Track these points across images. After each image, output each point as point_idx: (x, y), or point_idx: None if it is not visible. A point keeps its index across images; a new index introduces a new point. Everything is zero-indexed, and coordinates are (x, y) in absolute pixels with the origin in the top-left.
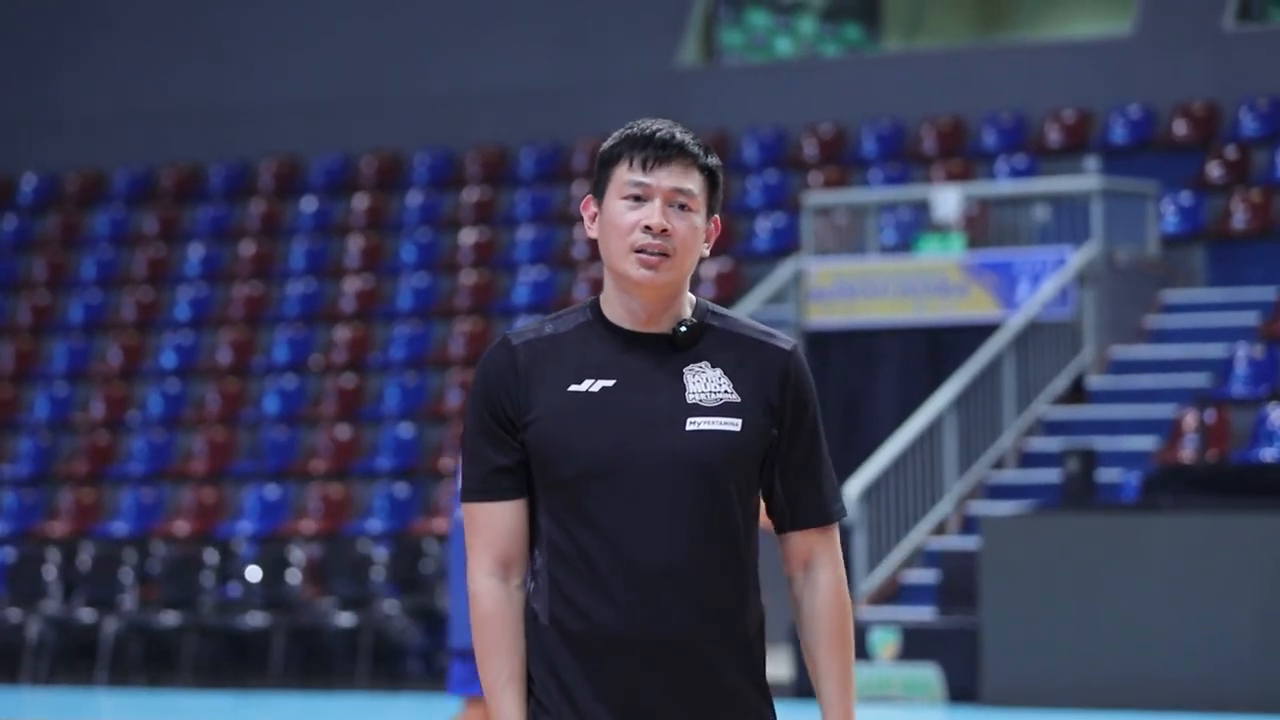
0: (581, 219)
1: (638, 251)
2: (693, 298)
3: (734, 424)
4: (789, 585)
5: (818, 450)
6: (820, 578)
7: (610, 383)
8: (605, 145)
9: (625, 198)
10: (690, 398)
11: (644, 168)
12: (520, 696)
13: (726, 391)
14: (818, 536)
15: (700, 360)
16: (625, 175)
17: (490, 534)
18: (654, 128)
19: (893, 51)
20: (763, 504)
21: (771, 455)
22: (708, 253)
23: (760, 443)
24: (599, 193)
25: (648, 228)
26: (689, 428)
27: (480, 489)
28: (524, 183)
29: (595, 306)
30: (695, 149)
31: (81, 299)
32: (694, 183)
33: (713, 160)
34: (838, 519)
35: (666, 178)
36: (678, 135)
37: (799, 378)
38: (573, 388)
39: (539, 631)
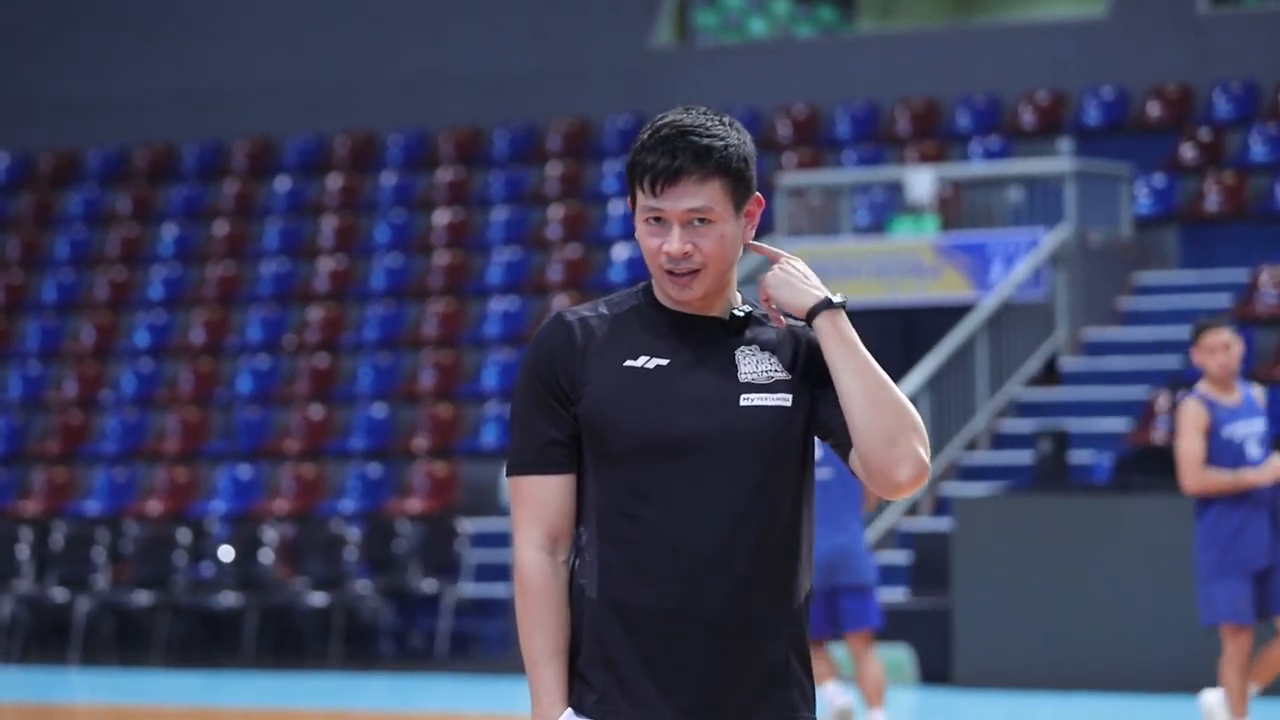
0: (555, 199)
1: (668, 273)
2: (740, 293)
3: (786, 399)
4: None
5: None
6: None
7: (665, 360)
8: (631, 150)
9: (646, 221)
10: (743, 376)
11: (654, 191)
12: (563, 671)
13: (777, 370)
14: None
15: (751, 344)
16: (642, 199)
17: (539, 507)
18: (667, 135)
19: (867, 33)
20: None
21: (821, 412)
22: (753, 233)
23: (807, 417)
24: (631, 201)
25: (669, 254)
26: (743, 404)
27: (531, 462)
28: (498, 164)
29: (648, 291)
30: (706, 155)
31: (55, 278)
32: (709, 195)
33: (729, 155)
34: None
35: (678, 200)
36: (688, 145)
37: (816, 344)
38: (628, 363)
39: (587, 606)
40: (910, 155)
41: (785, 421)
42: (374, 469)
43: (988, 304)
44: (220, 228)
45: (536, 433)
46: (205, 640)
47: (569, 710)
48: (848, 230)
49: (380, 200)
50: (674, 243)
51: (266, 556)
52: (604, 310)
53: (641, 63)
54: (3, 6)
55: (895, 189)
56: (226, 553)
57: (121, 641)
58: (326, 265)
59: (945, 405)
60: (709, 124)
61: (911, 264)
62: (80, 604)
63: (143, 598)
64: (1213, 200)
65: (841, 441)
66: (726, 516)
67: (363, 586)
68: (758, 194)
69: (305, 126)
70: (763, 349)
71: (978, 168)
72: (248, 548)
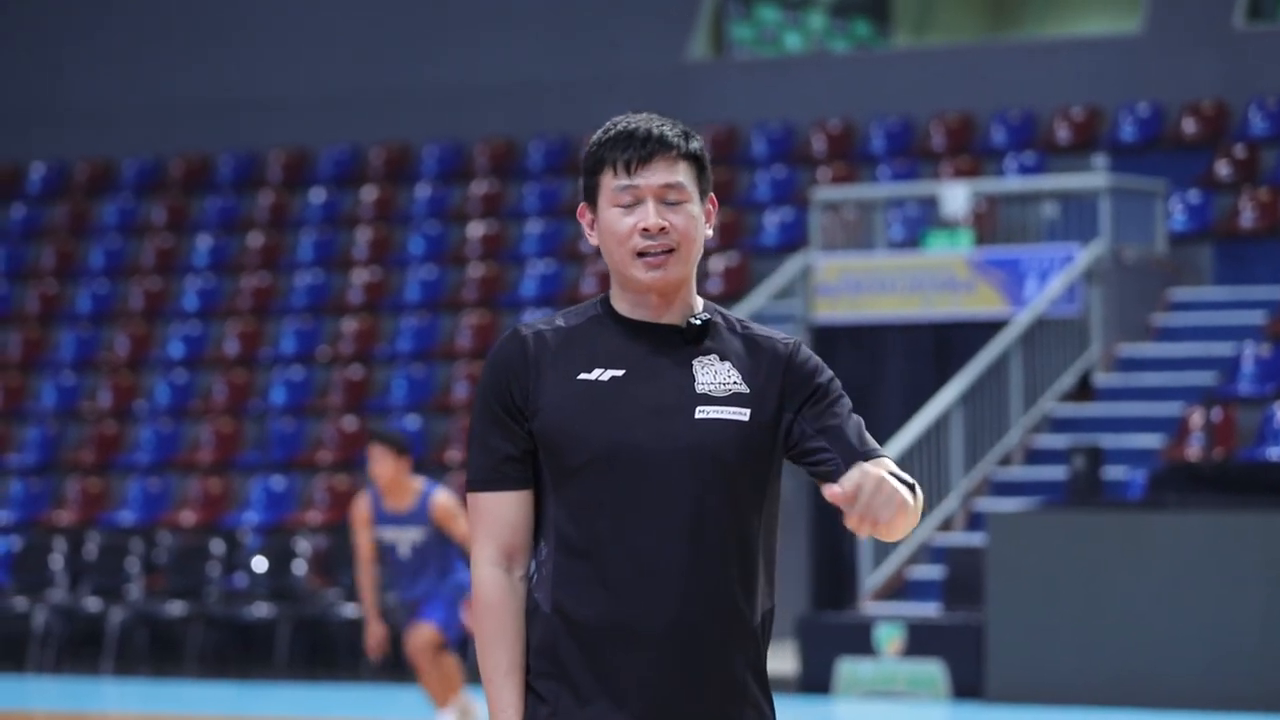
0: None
1: (641, 255)
2: (700, 299)
3: (743, 414)
4: None
5: (846, 408)
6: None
7: (620, 372)
8: (587, 151)
9: (617, 205)
10: (699, 388)
11: (629, 171)
12: (520, 687)
13: (735, 382)
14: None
15: (709, 354)
16: (612, 182)
17: (495, 524)
18: (631, 126)
19: (902, 48)
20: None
21: (798, 432)
22: (710, 233)
23: (770, 433)
24: (591, 201)
25: (645, 230)
26: (698, 416)
27: (487, 479)
28: (532, 176)
29: (605, 302)
30: (675, 139)
31: (89, 288)
32: (681, 174)
33: (695, 145)
34: (881, 456)
35: (653, 176)
36: (655, 130)
37: (802, 360)
38: (582, 376)
39: (541, 620)
40: (945, 170)
41: (743, 435)
42: None
43: (1022, 319)
44: (255, 239)
45: (492, 449)
46: (238, 651)
47: None
48: (882, 245)
49: (415, 212)
50: (650, 216)
51: (299, 568)
52: (561, 323)
53: (676, 76)
54: (39, 16)
55: (930, 204)
56: (260, 564)
57: (154, 652)
58: (361, 277)
59: (979, 420)
60: (664, 120)
61: (946, 279)
62: (114, 614)
63: (176, 608)
64: (1248, 217)
65: (820, 474)
66: (681, 530)
67: (395, 598)
68: (713, 195)
69: (340, 137)
70: (722, 359)
71: (1012, 183)
72: (281, 559)
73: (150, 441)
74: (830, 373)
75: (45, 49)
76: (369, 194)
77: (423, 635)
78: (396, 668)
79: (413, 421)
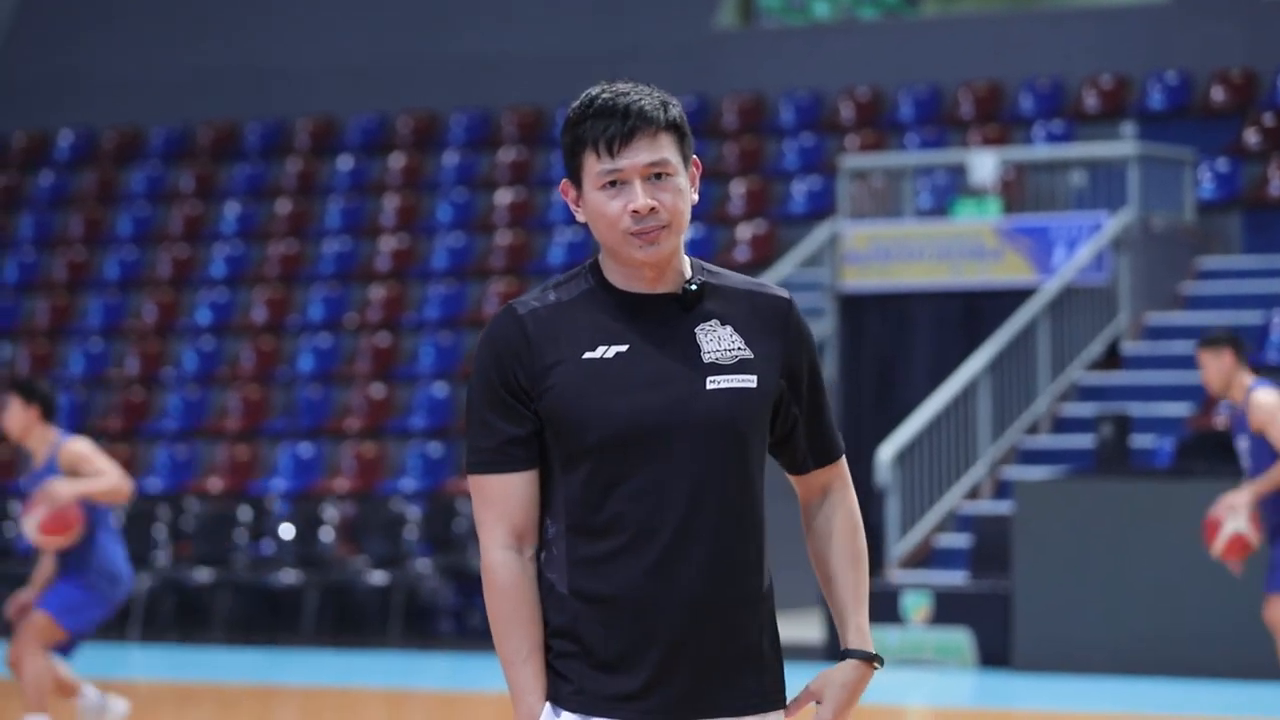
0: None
1: (634, 235)
2: (686, 258)
3: (750, 380)
4: (804, 511)
5: (823, 392)
6: (835, 499)
7: (624, 348)
8: (564, 129)
9: (602, 187)
10: (707, 357)
11: (611, 152)
12: (541, 668)
13: (740, 348)
14: (834, 470)
15: (710, 318)
16: (596, 165)
17: (504, 506)
18: (609, 102)
19: (931, 15)
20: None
21: (783, 404)
22: (696, 197)
23: (772, 396)
24: (575, 180)
25: (635, 212)
26: (709, 387)
27: (492, 460)
28: (559, 144)
29: (596, 271)
30: (654, 113)
31: (118, 255)
32: (664, 148)
33: (674, 113)
34: (843, 452)
35: (637, 155)
36: (634, 104)
37: (800, 325)
38: (587, 355)
39: (557, 600)
40: (973, 138)
41: (751, 402)
42: (434, 448)
43: (1050, 288)
44: (283, 206)
45: (496, 430)
46: (265, 618)
47: (547, 705)
48: (910, 213)
49: (442, 180)
50: (639, 197)
51: (327, 535)
52: (554, 297)
53: (705, 44)
54: None
55: (958, 172)
56: (287, 531)
57: (182, 618)
58: (388, 244)
59: (1007, 389)
60: (640, 89)
61: (974, 247)
62: (141, 581)
63: (203, 575)
64: (1276, 185)
65: (784, 461)
66: (697, 502)
67: (423, 565)
68: (695, 158)
69: (368, 106)
70: (723, 323)
71: (1040, 151)
72: (308, 526)
73: (178, 408)
74: (814, 342)
75: (72, 18)
76: (396, 161)
77: (32, 625)
78: (424, 635)
79: (440, 389)
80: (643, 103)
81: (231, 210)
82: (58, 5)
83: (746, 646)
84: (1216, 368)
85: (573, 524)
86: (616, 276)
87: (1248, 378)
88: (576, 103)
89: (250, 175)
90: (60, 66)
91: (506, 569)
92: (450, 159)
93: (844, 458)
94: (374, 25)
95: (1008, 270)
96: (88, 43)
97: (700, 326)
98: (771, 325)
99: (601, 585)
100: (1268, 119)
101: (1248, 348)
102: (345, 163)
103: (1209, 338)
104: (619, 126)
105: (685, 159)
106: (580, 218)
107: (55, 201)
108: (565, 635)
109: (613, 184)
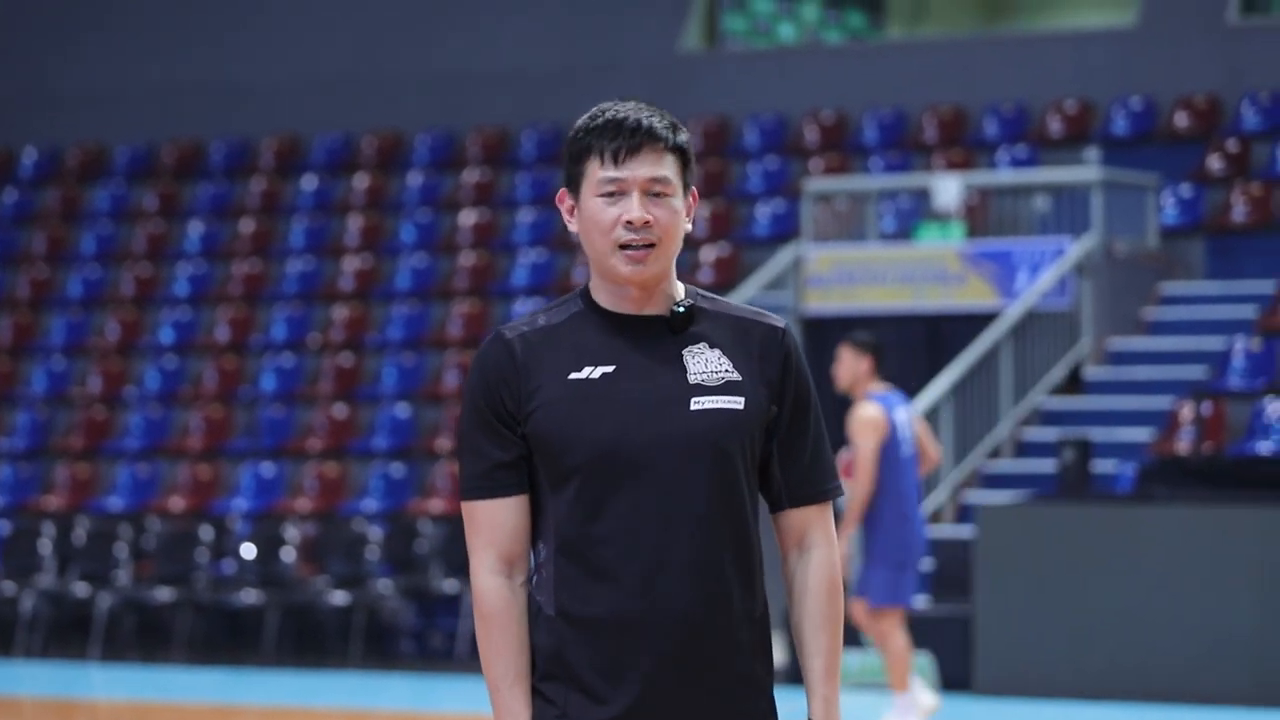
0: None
1: (623, 248)
2: (680, 284)
3: (737, 402)
4: (783, 562)
5: (816, 427)
6: (814, 556)
7: (610, 368)
8: (572, 136)
9: (601, 195)
10: (692, 378)
11: (615, 161)
12: (527, 694)
13: (727, 370)
14: (815, 513)
15: (698, 341)
16: (598, 172)
17: (494, 532)
18: (620, 115)
19: (895, 40)
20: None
21: (770, 433)
22: (690, 226)
23: (761, 420)
24: (573, 188)
25: (629, 223)
26: (694, 408)
27: (482, 486)
28: (524, 165)
29: (586, 295)
30: (663, 132)
31: (81, 274)
32: (667, 168)
33: (683, 138)
34: (834, 496)
35: (639, 168)
36: (644, 121)
37: (795, 355)
38: (573, 376)
39: (544, 623)
40: (937, 162)
41: (738, 423)
42: (397, 469)
43: (1013, 312)
44: (246, 225)
45: (485, 456)
46: (226, 637)
47: None
48: (874, 236)
49: (406, 200)
50: (635, 209)
51: (288, 555)
52: (543, 321)
53: (669, 66)
54: (32, 1)
55: (922, 196)
56: (248, 550)
57: (142, 638)
58: (352, 264)
59: (969, 412)
60: (652, 109)
61: (937, 271)
62: (102, 600)
63: (164, 594)
64: (1239, 211)
65: (766, 499)
66: (684, 522)
67: (384, 586)
68: (694, 189)
69: (333, 125)
70: (711, 346)
71: (1004, 176)
72: (269, 546)
73: (140, 427)
74: (809, 375)
75: (38, 34)
76: (361, 181)
77: None
78: (384, 655)
79: (402, 410)
80: (653, 121)
81: (195, 229)
82: (21, 23)
83: (736, 670)
84: (850, 367)
85: (560, 545)
86: (605, 298)
87: (876, 386)
88: (587, 114)
89: (214, 194)
90: (24, 84)
91: (495, 594)
92: (415, 179)
93: (830, 508)
94: (339, 44)
95: (971, 294)
96: (52, 60)
97: (688, 349)
98: (761, 351)
99: (586, 607)
100: (1231, 145)
101: (893, 371)
102: (309, 182)
103: (860, 339)
104: (627, 138)
105: (685, 185)
106: (573, 228)
107: (19, 219)
108: (551, 658)
109: (611, 194)
